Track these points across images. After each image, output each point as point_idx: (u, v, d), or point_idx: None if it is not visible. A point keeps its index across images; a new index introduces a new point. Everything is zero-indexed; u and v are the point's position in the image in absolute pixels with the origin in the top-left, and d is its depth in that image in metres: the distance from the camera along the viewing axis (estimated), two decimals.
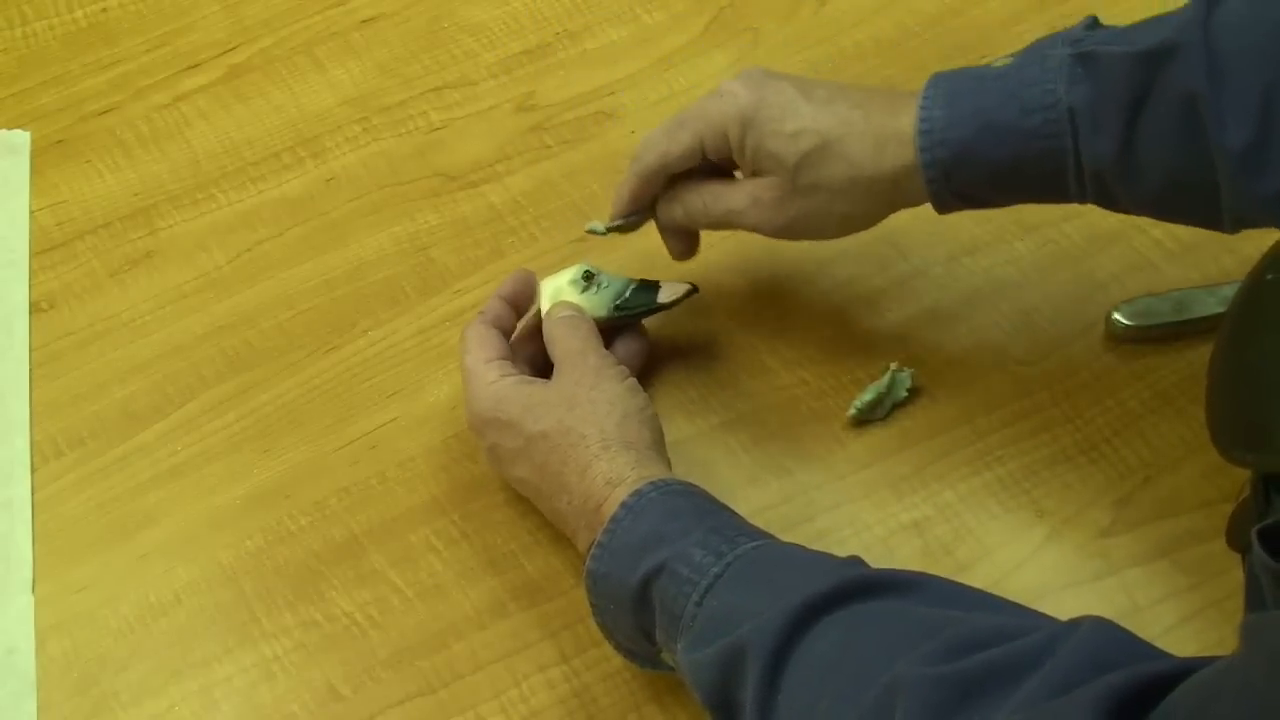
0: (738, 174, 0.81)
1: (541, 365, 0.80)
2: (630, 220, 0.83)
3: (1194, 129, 0.67)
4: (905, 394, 0.84)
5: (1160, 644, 0.55)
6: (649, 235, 0.92)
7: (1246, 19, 0.67)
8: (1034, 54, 0.73)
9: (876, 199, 0.77)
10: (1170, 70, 0.68)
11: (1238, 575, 0.74)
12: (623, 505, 0.70)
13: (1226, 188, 0.67)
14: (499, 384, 0.77)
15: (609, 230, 0.83)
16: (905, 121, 0.74)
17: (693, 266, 0.87)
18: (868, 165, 0.75)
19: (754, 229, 0.79)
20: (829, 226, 0.79)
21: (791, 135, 0.75)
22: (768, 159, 0.76)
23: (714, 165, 0.80)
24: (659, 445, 0.76)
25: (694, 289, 0.83)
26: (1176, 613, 0.77)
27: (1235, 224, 0.70)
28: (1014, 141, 0.72)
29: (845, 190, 0.76)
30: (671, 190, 0.82)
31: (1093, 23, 0.73)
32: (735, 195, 0.79)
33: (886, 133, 0.74)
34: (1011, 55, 0.74)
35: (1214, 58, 0.66)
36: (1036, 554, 0.79)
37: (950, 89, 0.74)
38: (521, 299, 0.82)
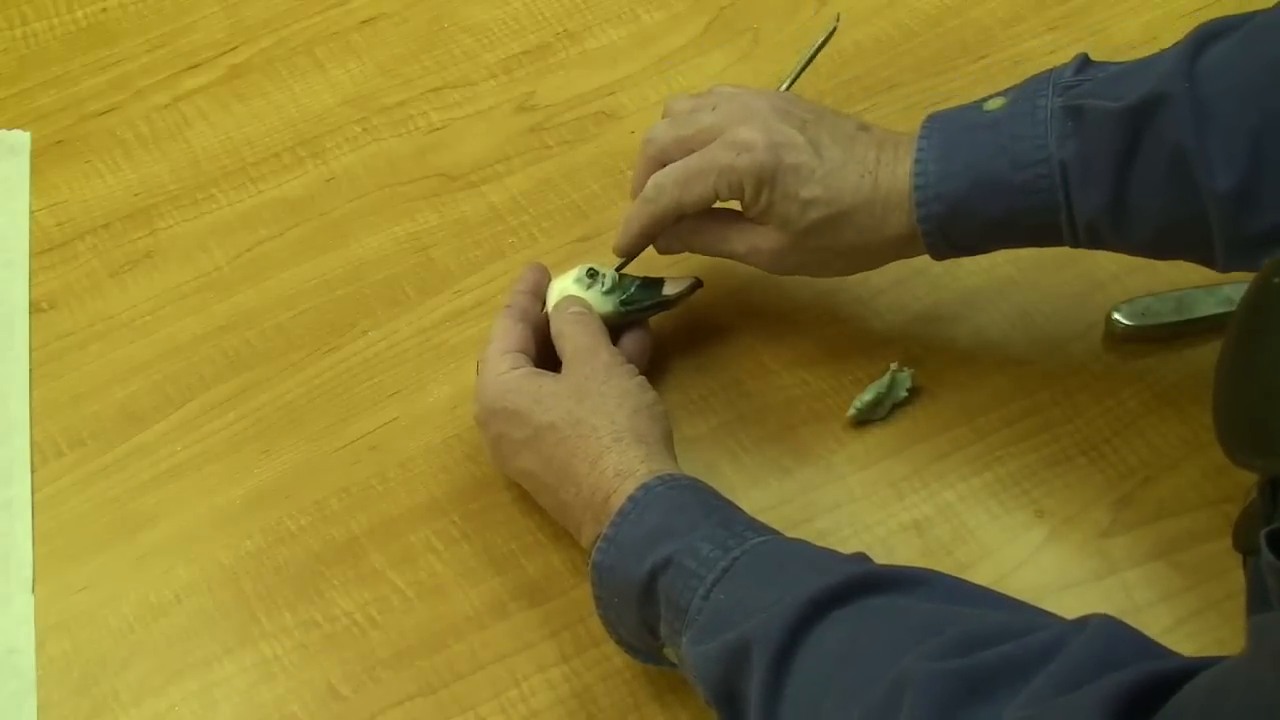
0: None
1: (551, 363, 0.80)
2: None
3: (1183, 178, 0.68)
4: (905, 394, 0.84)
5: (1160, 644, 0.55)
6: None
7: (1232, 62, 0.68)
8: (1025, 100, 0.74)
9: (876, 257, 0.80)
10: (1157, 123, 0.69)
11: (1237, 576, 0.74)
12: (630, 499, 0.70)
13: (1218, 230, 0.69)
14: (509, 374, 0.77)
15: (618, 270, 0.83)
16: (904, 185, 0.75)
17: (693, 266, 0.87)
18: (873, 233, 0.77)
19: (752, 267, 0.82)
20: (825, 274, 0.83)
21: (805, 203, 0.77)
22: (777, 218, 0.78)
23: None
24: (668, 441, 0.76)
25: (698, 283, 0.84)
26: (1176, 613, 0.77)
27: (1229, 266, 0.71)
28: (1007, 196, 0.73)
29: (848, 253, 0.79)
30: (675, 228, 0.82)
31: (1083, 63, 0.74)
32: (736, 241, 0.81)
33: (891, 199, 0.76)
34: (1004, 95, 0.75)
35: (1200, 104, 0.67)
36: (1036, 554, 0.79)
37: (944, 139, 0.75)
38: (543, 290, 0.83)
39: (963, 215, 0.74)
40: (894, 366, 0.84)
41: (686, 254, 0.84)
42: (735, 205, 0.80)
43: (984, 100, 0.76)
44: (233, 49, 1.02)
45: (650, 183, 0.80)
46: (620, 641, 0.73)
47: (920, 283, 0.89)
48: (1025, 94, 0.74)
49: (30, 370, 0.87)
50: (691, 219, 0.81)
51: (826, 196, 0.76)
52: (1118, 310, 0.86)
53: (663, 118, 0.83)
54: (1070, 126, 0.72)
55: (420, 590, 0.79)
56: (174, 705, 0.76)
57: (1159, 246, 0.74)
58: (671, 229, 0.82)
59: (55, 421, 0.85)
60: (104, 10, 1.04)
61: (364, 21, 1.03)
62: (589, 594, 0.72)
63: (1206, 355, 0.83)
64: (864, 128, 0.79)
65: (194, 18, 1.04)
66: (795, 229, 0.77)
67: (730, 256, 0.82)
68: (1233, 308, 0.84)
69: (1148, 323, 0.86)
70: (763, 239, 0.79)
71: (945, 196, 0.74)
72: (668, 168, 0.80)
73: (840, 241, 0.78)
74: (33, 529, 0.81)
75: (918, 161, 0.75)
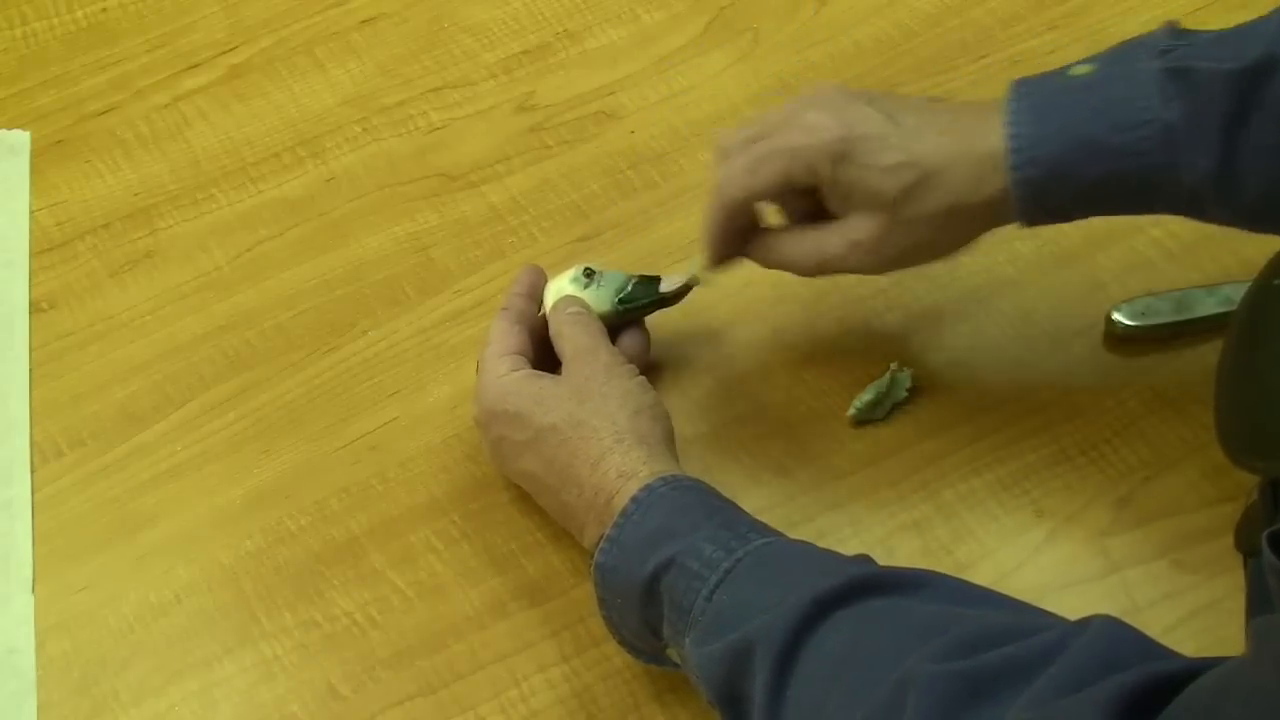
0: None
1: (548, 365, 0.80)
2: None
3: None
4: (905, 394, 0.84)
5: (1162, 644, 0.55)
6: (645, 233, 0.92)
7: None
8: (1118, 64, 0.71)
9: (975, 224, 0.75)
10: (1271, 86, 0.66)
11: (1238, 575, 0.74)
12: (633, 499, 0.70)
13: None
14: (508, 377, 0.77)
15: (707, 275, 0.81)
16: (995, 141, 0.72)
17: (692, 265, 0.87)
18: (967, 193, 0.73)
19: (853, 271, 0.77)
20: (928, 257, 0.77)
21: (889, 169, 0.73)
22: (863, 194, 0.73)
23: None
24: (669, 442, 0.76)
25: (695, 280, 0.83)
26: (1176, 612, 0.77)
27: None
28: (1107, 158, 0.70)
29: (946, 220, 0.74)
30: (762, 240, 0.79)
31: (1176, 29, 0.72)
32: (832, 242, 0.76)
33: (981, 156, 0.72)
34: (1088, 62, 0.72)
35: None
36: (1036, 554, 0.79)
37: (1037, 103, 0.72)
38: (539, 292, 0.82)
39: (1060, 179, 0.71)
40: (894, 367, 0.84)
41: (683, 255, 0.84)
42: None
43: (1068, 67, 0.73)
44: (233, 49, 1.02)
45: (719, 175, 0.76)
46: (623, 642, 0.73)
47: (920, 283, 0.89)
48: (1118, 58, 0.72)
49: (30, 370, 0.87)
50: (782, 232, 0.78)
51: (910, 159, 0.72)
52: (1118, 310, 0.86)
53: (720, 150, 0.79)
54: (1176, 88, 0.69)
55: (420, 590, 0.79)
56: (174, 705, 0.76)
57: (1263, 214, 0.71)
58: (757, 240, 0.78)
59: (55, 421, 0.85)
60: (104, 10, 1.04)
61: (364, 21, 1.04)
62: (589, 594, 0.72)
63: (1206, 355, 0.83)
64: (938, 100, 0.76)
65: (194, 18, 1.04)
66: (886, 199, 0.73)
67: (828, 266, 0.77)
68: (1233, 308, 0.84)
69: (1148, 323, 0.86)
70: (858, 229, 0.75)
71: (1041, 160, 0.71)
72: (733, 159, 0.76)
73: (933, 205, 0.73)
74: (33, 529, 0.81)
75: (1011, 124, 0.71)
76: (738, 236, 0.78)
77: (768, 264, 0.79)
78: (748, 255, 0.79)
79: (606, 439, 0.73)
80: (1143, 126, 0.69)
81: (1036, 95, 0.72)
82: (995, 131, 0.72)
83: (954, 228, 0.75)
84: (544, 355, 0.80)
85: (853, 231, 0.75)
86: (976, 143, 0.72)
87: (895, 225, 0.74)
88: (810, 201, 0.77)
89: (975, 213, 0.73)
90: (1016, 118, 0.71)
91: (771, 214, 0.79)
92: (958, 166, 0.72)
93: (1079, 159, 0.70)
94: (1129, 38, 0.73)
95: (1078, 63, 0.73)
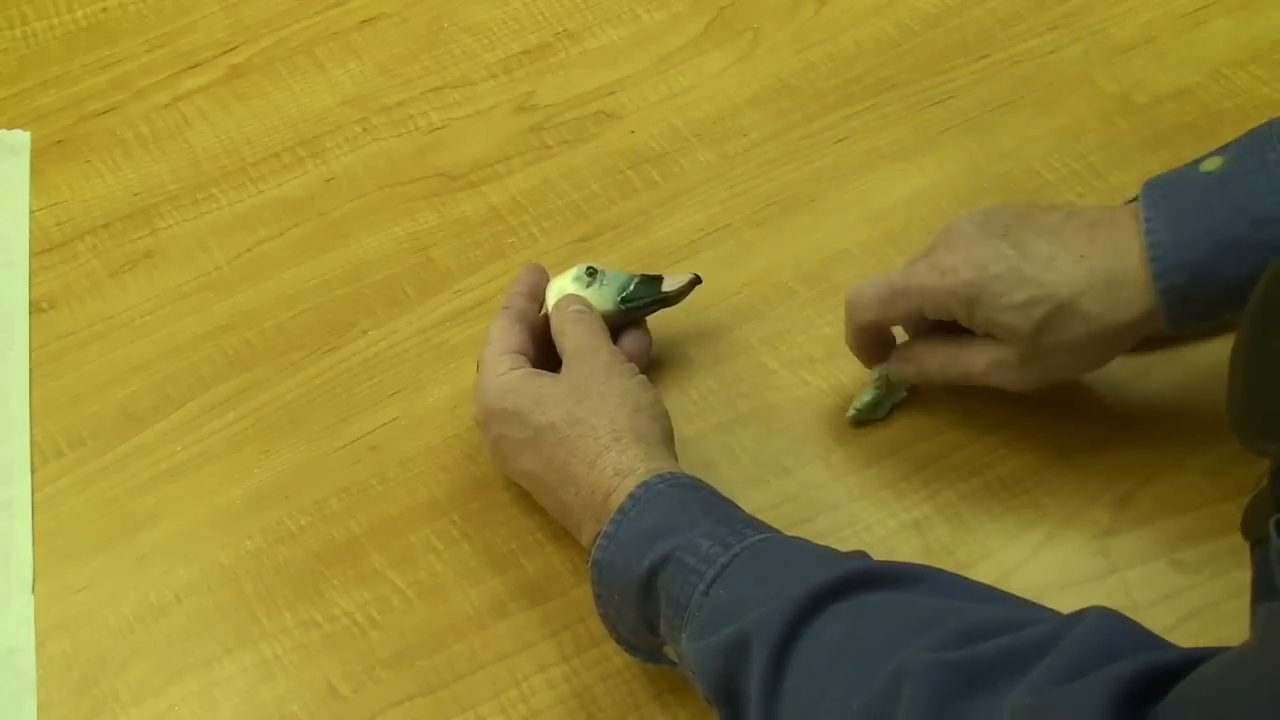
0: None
1: (550, 364, 0.80)
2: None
3: None
4: (905, 394, 0.84)
5: (1158, 636, 0.55)
6: (645, 233, 0.92)
7: None
8: (1251, 157, 0.71)
9: (1121, 341, 0.75)
10: None
11: (1238, 575, 0.74)
12: (630, 496, 0.70)
13: None
14: (508, 375, 0.77)
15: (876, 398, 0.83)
16: (1133, 260, 0.72)
17: (692, 264, 0.87)
18: (1107, 318, 0.73)
19: (997, 387, 0.78)
20: (1075, 374, 0.79)
21: (1023, 305, 0.73)
22: (1002, 330, 0.74)
23: None
24: (668, 441, 0.76)
25: (697, 279, 0.83)
26: (1177, 612, 0.77)
27: None
28: (1250, 256, 0.69)
29: (1088, 346, 0.74)
30: (904, 349, 0.81)
31: None
32: (975, 359, 0.77)
33: (1118, 278, 0.72)
34: (1221, 154, 0.72)
35: None
36: (1036, 554, 0.79)
37: (1174, 206, 0.71)
38: (540, 290, 0.83)
39: (1205, 282, 0.71)
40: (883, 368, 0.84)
41: (683, 255, 0.84)
42: None
43: (1198, 162, 0.73)
44: (233, 49, 1.02)
45: (855, 291, 0.78)
46: (620, 640, 0.73)
47: None
48: (1248, 150, 0.72)
49: (30, 370, 0.87)
50: (928, 340, 0.80)
51: (1043, 293, 0.72)
52: None
53: None
54: None
55: (420, 590, 0.79)
56: (174, 705, 0.76)
57: None
58: (901, 350, 0.81)
59: (55, 421, 0.85)
60: (104, 10, 1.04)
61: (364, 21, 1.04)
62: (589, 594, 0.72)
63: (1206, 355, 0.83)
64: (1073, 213, 0.75)
65: (194, 18, 1.04)
66: (1023, 334, 0.74)
67: (969, 379, 0.78)
68: None
69: None
70: (1002, 352, 0.76)
71: (1185, 266, 0.70)
72: (872, 279, 0.78)
73: (1073, 335, 0.73)
74: (33, 529, 0.81)
75: (1149, 233, 0.71)
76: (879, 346, 0.81)
77: (905, 375, 0.81)
78: (886, 364, 0.81)
79: (604, 437, 0.73)
80: None
81: (1172, 198, 0.71)
82: (1134, 245, 0.71)
83: (1098, 348, 0.75)
84: (544, 354, 0.80)
85: (996, 353, 0.76)
86: (1113, 262, 0.72)
87: (1035, 355, 0.75)
88: (960, 334, 0.78)
89: (1120, 332, 0.74)
90: (1153, 224, 0.71)
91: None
92: (1093, 292, 0.72)
93: (1223, 260, 0.70)
94: (1252, 129, 0.72)
95: (1207, 156, 0.72)
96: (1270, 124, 0.72)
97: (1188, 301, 0.71)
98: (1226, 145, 0.72)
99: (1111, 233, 0.73)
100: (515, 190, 0.95)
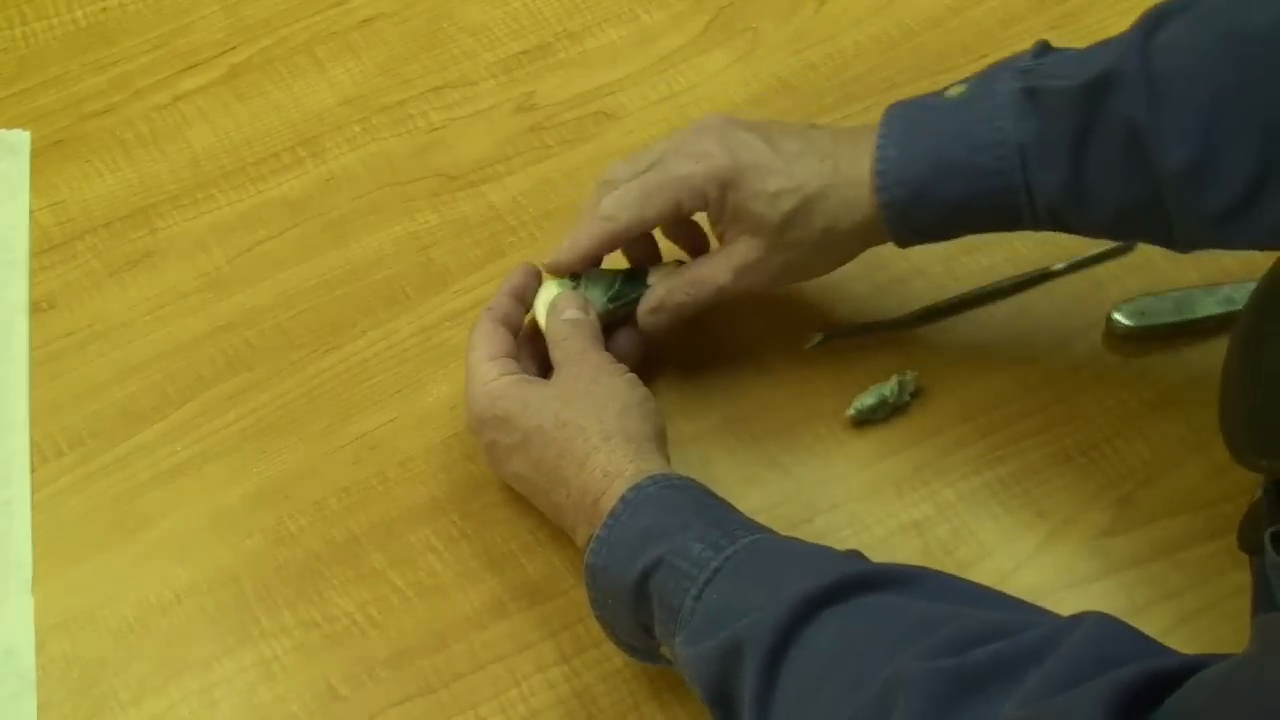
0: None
1: (546, 366, 0.80)
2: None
3: (1138, 156, 0.69)
4: (908, 398, 0.84)
5: (1157, 641, 0.55)
6: None
7: (1187, 39, 0.68)
8: (985, 86, 0.74)
9: (852, 243, 0.79)
10: (1111, 100, 0.69)
11: (1238, 575, 0.74)
12: (621, 499, 0.70)
13: (1174, 209, 0.69)
14: (496, 382, 0.77)
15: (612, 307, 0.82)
16: (865, 170, 0.76)
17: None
18: (844, 217, 0.77)
19: (743, 292, 0.80)
20: (809, 274, 0.82)
21: (773, 195, 0.76)
22: (748, 218, 0.77)
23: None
24: (659, 440, 0.76)
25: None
26: (1176, 613, 0.77)
27: (1187, 244, 0.72)
28: (966, 179, 0.73)
29: (825, 242, 0.78)
30: (650, 301, 0.81)
31: (1042, 49, 0.75)
32: (718, 271, 0.80)
33: (855, 181, 0.76)
34: (965, 82, 0.76)
35: (1153, 82, 0.68)
36: (1036, 554, 0.79)
37: (904, 127, 0.75)
38: (529, 292, 0.82)
39: (924, 199, 0.75)
40: (898, 375, 0.84)
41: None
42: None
43: (945, 89, 0.76)
44: (232, 49, 1.02)
45: (609, 200, 0.79)
46: (618, 641, 0.73)
47: (920, 282, 0.89)
48: (985, 79, 0.75)
49: (30, 370, 0.87)
50: (667, 279, 0.81)
51: (791, 185, 0.76)
52: (1118, 310, 0.86)
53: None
54: (1027, 108, 0.72)
55: (420, 590, 0.79)
56: (174, 705, 0.76)
57: (1118, 227, 0.74)
58: (647, 303, 0.81)
59: (55, 421, 0.85)
60: (104, 10, 1.04)
61: (364, 21, 1.03)
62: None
63: (1206, 355, 0.83)
64: (815, 126, 0.80)
65: (194, 18, 1.04)
66: (770, 225, 0.77)
67: (719, 295, 0.80)
68: (1233, 307, 0.84)
69: (1148, 323, 0.86)
70: (743, 253, 0.79)
71: (907, 181, 0.75)
72: (624, 186, 0.79)
73: (813, 229, 0.77)
74: (32, 529, 0.81)
75: (879, 148, 0.75)
76: (597, 262, 0.82)
77: (658, 325, 0.82)
78: (640, 322, 0.82)
79: (593, 438, 0.73)
80: (998, 146, 0.72)
81: (905, 119, 0.76)
82: (866, 155, 0.75)
83: (831, 249, 0.79)
84: (529, 357, 0.81)
85: (736, 257, 0.79)
86: (852, 168, 0.76)
87: (776, 248, 0.78)
88: (692, 242, 0.83)
89: (850, 235, 0.78)
90: (885, 141, 0.75)
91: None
92: (833, 191, 0.76)
93: (941, 179, 0.74)
94: (1004, 58, 0.75)
95: (953, 84, 0.76)
96: (1019, 54, 0.75)
97: (907, 217, 0.76)
98: (975, 74, 0.76)
99: (852, 143, 0.77)
100: (515, 190, 0.95)
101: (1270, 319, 0.63)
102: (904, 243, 0.78)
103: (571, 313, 0.80)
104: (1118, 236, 0.76)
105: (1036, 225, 0.75)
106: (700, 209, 0.79)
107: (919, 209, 0.75)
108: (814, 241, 0.78)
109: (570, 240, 0.80)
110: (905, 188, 0.75)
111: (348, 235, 0.93)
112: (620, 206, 0.79)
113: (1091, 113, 0.70)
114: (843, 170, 0.76)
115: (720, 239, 0.80)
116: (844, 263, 0.81)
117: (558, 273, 0.81)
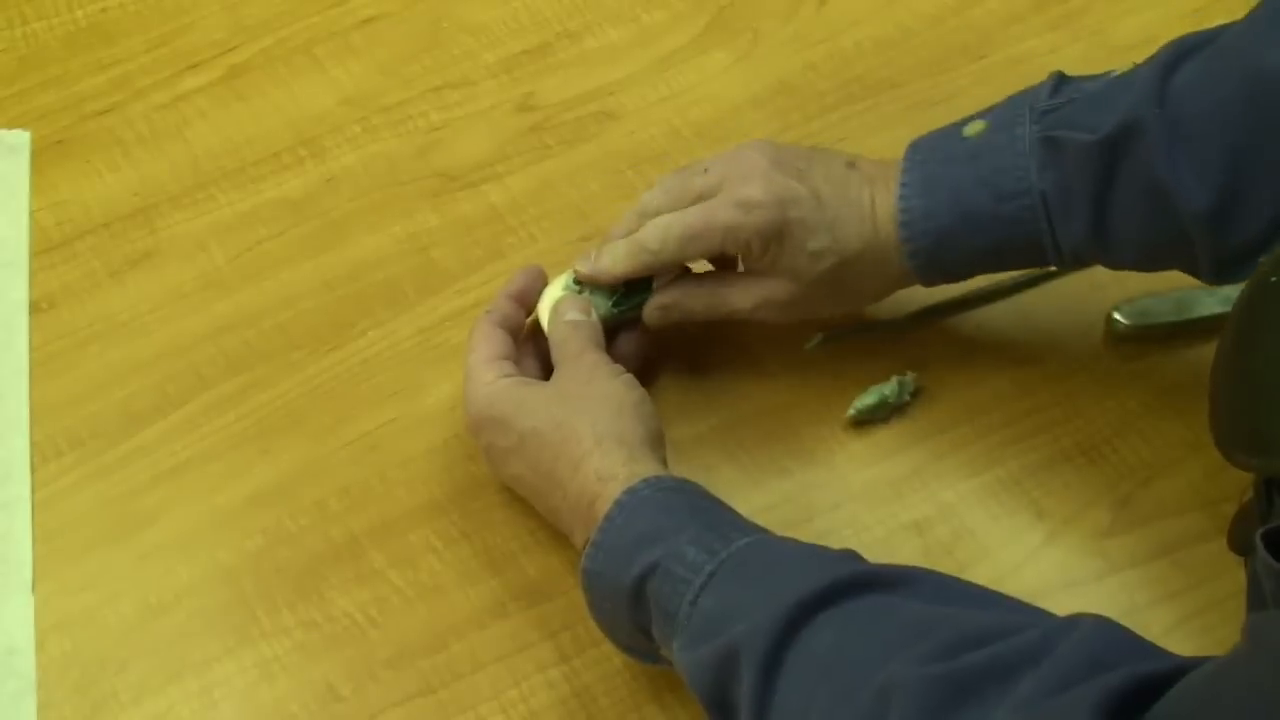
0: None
1: (548, 367, 0.80)
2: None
3: (1161, 204, 0.69)
4: (908, 398, 0.84)
5: (1159, 644, 0.55)
6: None
7: (1202, 81, 0.69)
8: (1004, 129, 0.74)
9: (881, 293, 0.81)
10: (1131, 153, 0.70)
11: (1237, 576, 0.74)
12: (616, 503, 0.70)
13: (1201, 248, 0.70)
14: (494, 384, 0.77)
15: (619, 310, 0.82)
16: (894, 225, 0.76)
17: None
18: (876, 275, 0.79)
19: (757, 323, 0.82)
20: (830, 314, 0.84)
21: (813, 254, 0.77)
22: (786, 269, 0.78)
23: None
24: (655, 441, 0.75)
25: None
26: (1176, 613, 0.77)
27: (1217, 279, 0.72)
28: (991, 228, 0.74)
29: (854, 293, 0.81)
30: (664, 296, 0.81)
31: (1059, 82, 0.75)
32: (741, 299, 0.80)
33: (889, 240, 0.77)
34: (983, 117, 0.76)
35: (1172, 128, 0.68)
36: (1036, 554, 0.79)
37: (926, 175, 0.76)
38: (530, 295, 0.82)
39: (949, 248, 0.76)
40: (898, 377, 0.84)
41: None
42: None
43: (964, 123, 0.77)
44: (233, 49, 1.02)
45: (653, 231, 0.79)
46: (618, 643, 0.73)
47: None
48: (1004, 120, 0.75)
49: (30, 370, 0.87)
50: (686, 283, 0.81)
51: (835, 247, 0.77)
52: (1118, 310, 0.86)
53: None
54: (1048, 158, 0.73)
55: (420, 590, 0.79)
56: (174, 705, 0.76)
57: (1146, 265, 0.76)
58: (662, 295, 0.81)
59: (55, 421, 0.85)
60: (104, 10, 1.04)
61: (364, 21, 1.03)
62: None
63: (1206, 355, 0.82)
64: (852, 165, 0.79)
65: (194, 17, 1.04)
66: (805, 280, 0.78)
67: (733, 315, 0.81)
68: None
69: (1148, 323, 0.86)
70: (771, 290, 0.79)
71: (931, 232, 0.75)
72: (669, 220, 0.78)
73: (847, 285, 0.79)
74: (33, 529, 0.81)
75: (902, 198, 0.76)
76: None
77: (668, 320, 0.82)
78: (646, 315, 0.82)
79: (587, 441, 0.73)
80: (1022, 196, 0.73)
81: (927, 165, 0.76)
82: (892, 209, 0.76)
83: (860, 299, 0.83)
84: (530, 359, 0.81)
85: (764, 291, 0.79)
86: (886, 226, 0.76)
87: (805, 296, 0.79)
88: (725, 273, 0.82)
89: (881, 287, 0.81)
90: (907, 190, 0.76)
91: None
92: (871, 253, 0.77)
93: (965, 229, 0.75)
94: (1021, 90, 0.76)
95: (972, 117, 0.77)
96: (1036, 88, 0.75)
97: (935, 264, 0.77)
98: (994, 106, 0.77)
99: (885, 193, 0.77)
100: (515, 190, 0.95)
101: (1259, 318, 0.63)
102: (931, 284, 0.80)
103: (573, 314, 0.80)
104: (1148, 270, 0.77)
105: (1063, 266, 0.76)
106: (739, 254, 0.80)
107: (945, 256, 0.76)
108: (844, 294, 0.80)
109: (609, 260, 0.80)
110: (930, 238, 0.76)
111: (348, 235, 0.93)
112: (663, 243, 0.79)
113: (1112, 165, 0.70)
114: (881, 231, 0.77)
115: (748, 265, 0.81)
116: (872, 304, 0.84)
117: (588, 282, 0.81)
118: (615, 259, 0.80)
